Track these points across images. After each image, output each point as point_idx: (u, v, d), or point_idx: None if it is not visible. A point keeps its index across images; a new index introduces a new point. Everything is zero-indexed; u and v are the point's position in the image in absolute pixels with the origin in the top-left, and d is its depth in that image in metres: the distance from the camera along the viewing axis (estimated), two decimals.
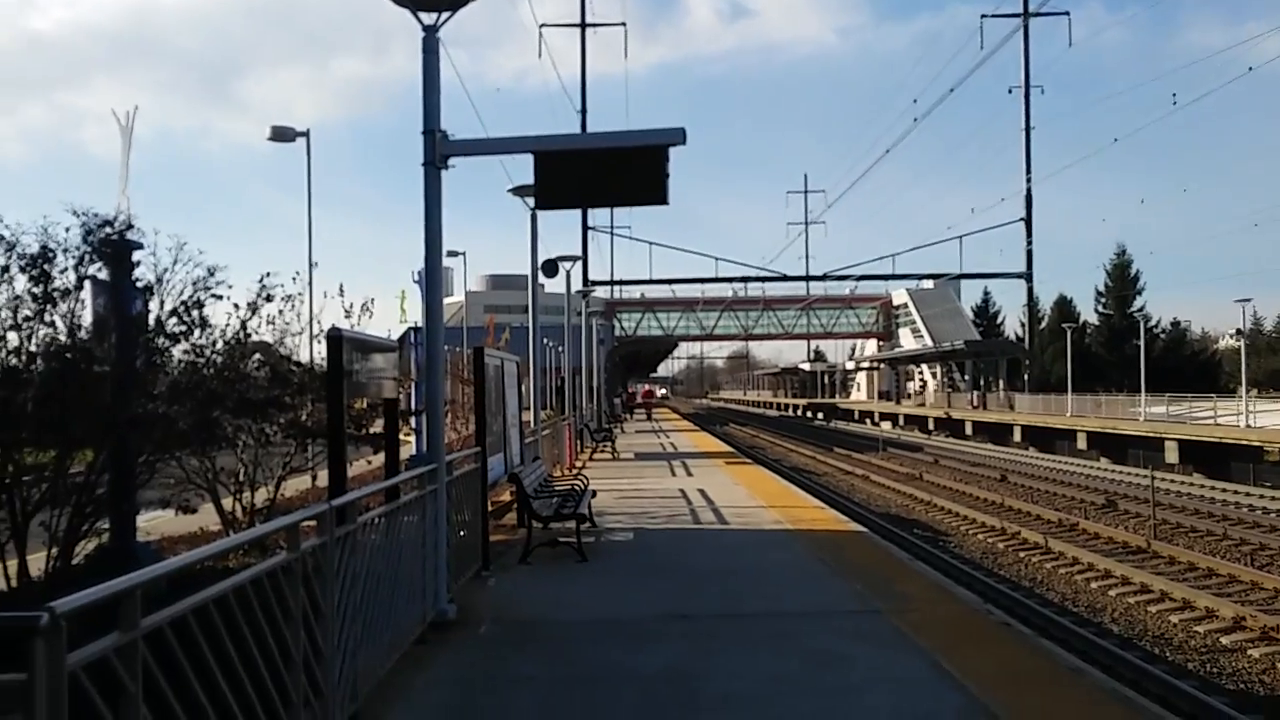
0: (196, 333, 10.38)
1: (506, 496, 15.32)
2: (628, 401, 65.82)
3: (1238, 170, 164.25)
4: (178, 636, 3.44)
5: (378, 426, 13.53)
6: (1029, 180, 69.16)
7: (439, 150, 8.05)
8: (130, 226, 8.16)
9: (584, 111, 67.71)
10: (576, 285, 30.98)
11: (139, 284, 9.59)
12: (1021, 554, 18.94)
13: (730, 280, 75.16)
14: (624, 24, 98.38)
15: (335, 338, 6.15)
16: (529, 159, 7.87)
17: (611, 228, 79.07)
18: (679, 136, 7.80)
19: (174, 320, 9.80)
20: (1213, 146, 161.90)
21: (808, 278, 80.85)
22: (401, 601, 6.64)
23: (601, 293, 72.47)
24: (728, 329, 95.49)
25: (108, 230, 7.81)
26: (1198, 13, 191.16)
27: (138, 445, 7.69)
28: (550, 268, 19.74)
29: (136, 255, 9.12)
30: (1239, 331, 42.56)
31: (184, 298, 9.92)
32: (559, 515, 10.89)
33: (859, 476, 34.08)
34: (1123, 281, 72.17)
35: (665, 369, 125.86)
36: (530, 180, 8.10)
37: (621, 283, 79.51)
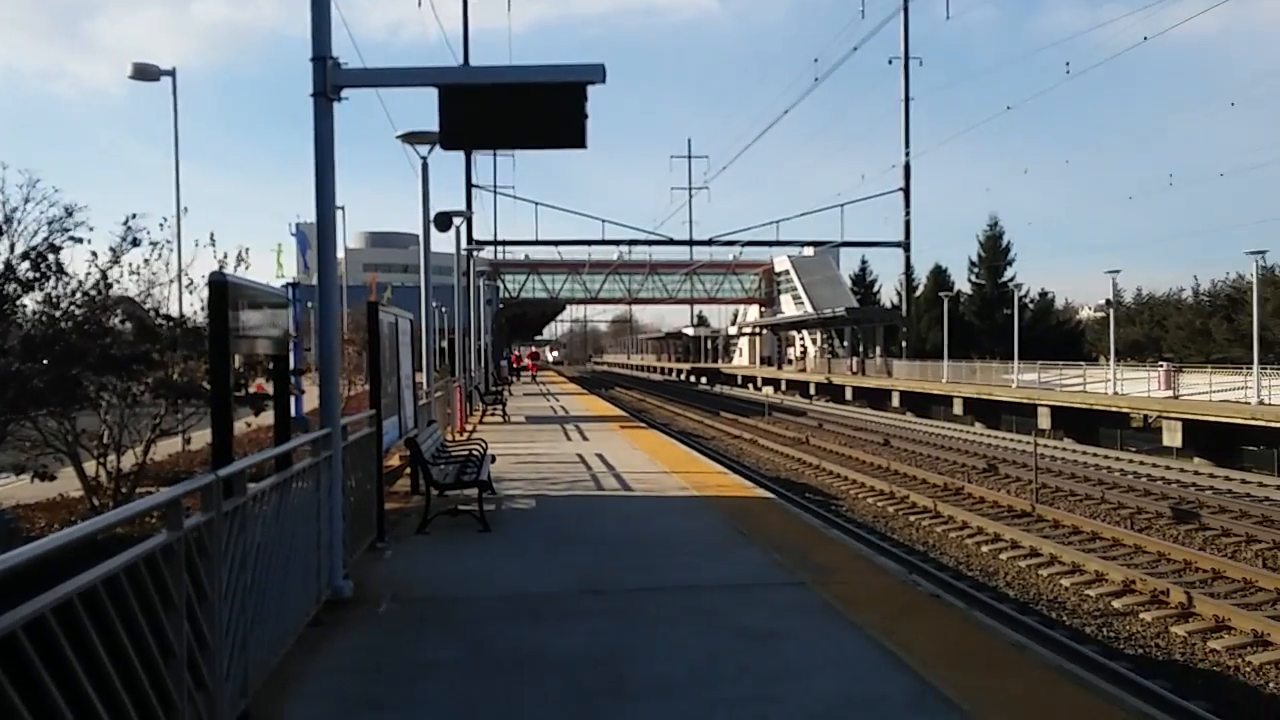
0: (52, 281, 9.36)
1: (396, 461, 14.57)
2: (514, 364, 64.92)
3: (1108, 146, 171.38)
4: (33, 639, 2.78)
5: (254, 387, 12.66)
6: (907, 152, 70.56)
7: (330, 79, 7.26)
8: None
9: (467, 64, 65.83)
10: (462, 244, 30.01)
11: None
12: (911, 518, 19.14)
13: (617, 243, 74.65)
14: None
15: (219, 283, 5.39)
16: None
17: (495, 186, 77.69)
18: (598, 74, 7.20)
19: (26, 265, 8.78)
20: (1085, 122, 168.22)
21: (691, 242, 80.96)
22: (295, 580, 5.96)
23: (485, 254, 71.04)
24: (612, 293, 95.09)
25: None
26: None
27: None
28: (443, 221, 18.84)
29: None
30: (1107, 302, 44.25)
31: (37, 241, 8.91)
32: (460, 482, 10.26)
33: (747, 440, 34.20)
34: (995, 252, 74.41)
35: (549, 332, 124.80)
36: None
37: (507, 243, 78.27)
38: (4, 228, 8.94)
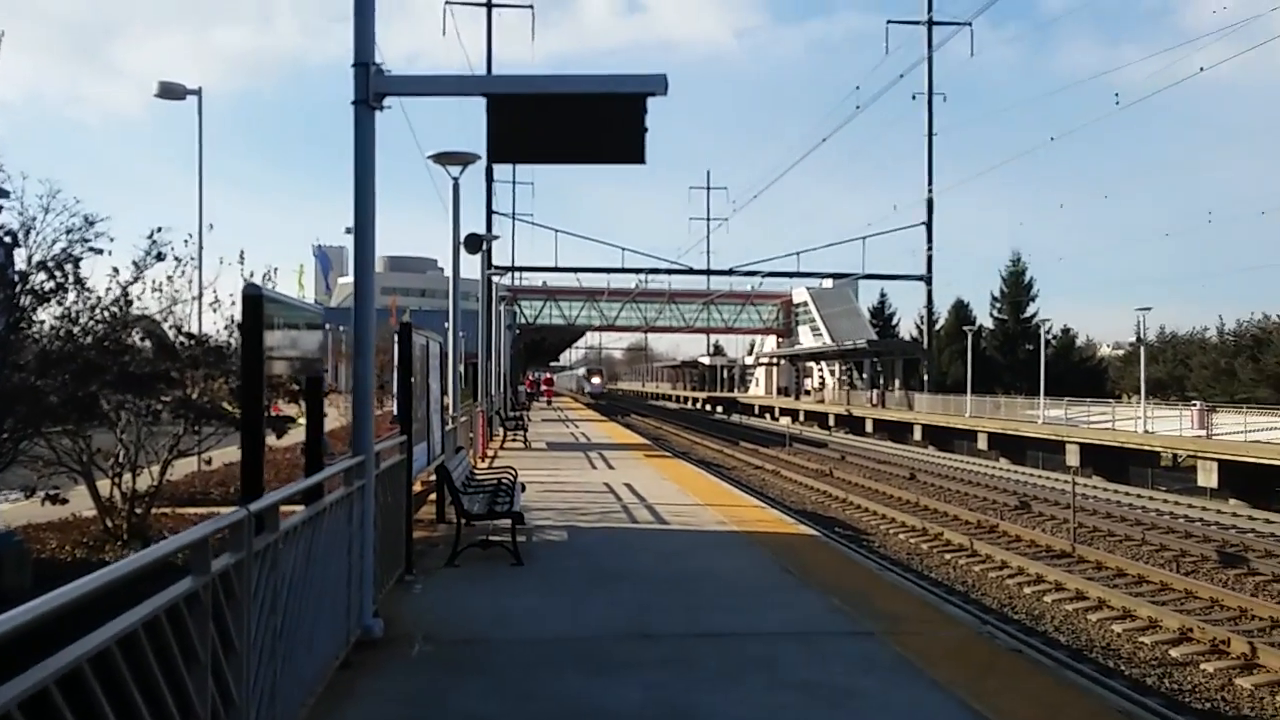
0: (71, 295, 8.92)
1: (418, 486, 14.05)
2: (530, 389, 64.53)
3: (1146, 182, 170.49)
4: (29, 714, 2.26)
5: (272, 409, 12.17)
6: (930, 187, 70.07)
7: (373, 86, 6.81)
8: None
9: None
10: (482, 269, 29.61)
11: (1, 231, 8.11)
12: (947, 556, 18.48)
13: (636, 272, 74.23)
14: (531, 5, 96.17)
15: (254, 296, 4.89)
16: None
17: (514, 212, 77.40)
18: (660, 85, 6.73)
19: (43, 275, 8.33)
20: (1124, 158, 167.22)
21: (709, 271, 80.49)
22: (324, 620, 5.43)
23: (503, 280, 70.75)
24: (629, 321, 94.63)
25: None
26: (1075, 34, 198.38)
27: None
28: (474, 243, 18.40)
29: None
30: (1137, 339, 43.54)
31: (55, 251, 8.47)
32: (492, 513, 9.72)
33: (770, 471, 33.54)
34: (1017, 288, 73.78)
35: (565, 358, 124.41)
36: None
37: (526, 269, 77.92)
38: (21, 238, 8.50)
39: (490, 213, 67.66)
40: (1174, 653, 12.11)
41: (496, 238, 28.92)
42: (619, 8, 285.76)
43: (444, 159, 15.92)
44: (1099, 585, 15.17)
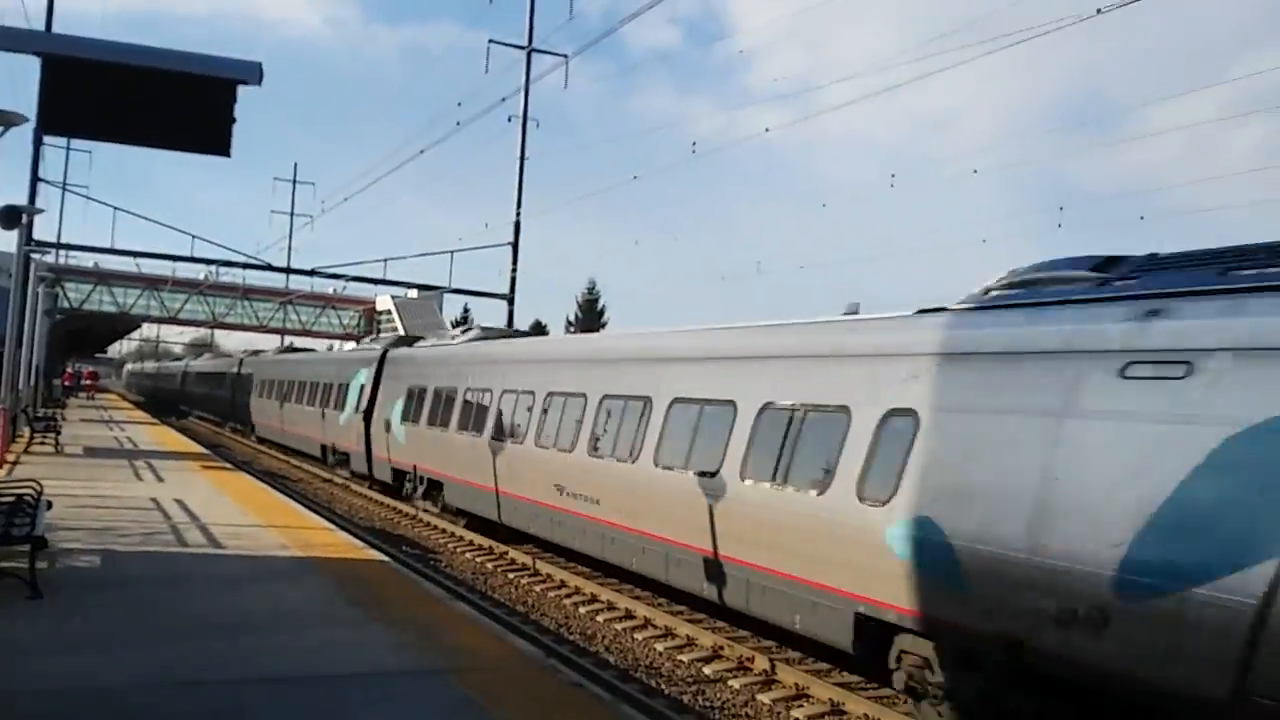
0: None
1: None
2: (69, 383, 57.19)
3: (706, 229, 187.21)
4: None
5: None
6: (518, 210, 72.25)
7: None
8: None
9: None
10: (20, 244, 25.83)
11: None
12: (510, 575, 18.86)
13: (207, 262, 68.60)
14: None
15: None
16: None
17: (65, 183, 68.52)
18: (254, 74, 6.29)
19: None
20: (690, 205, 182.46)
21: (290, 270, 76.44)
22: None
23: (46, 258, 62.26)
24: (195, 314, 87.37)
25: None
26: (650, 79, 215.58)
27: None
28: (11, 216, 15.90)
29: None
30: None
31: None
32: (8, 537, 8.34)
33: (339, 485, 32.38)
34: (590, 314, 78.62)
35: (114, 350, 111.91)
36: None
37: (76, 248, 68.56)
38: None
39: (35, 180, 59.36)
40: (707, 670, 13.23)
41: (41, 210, 25.29)
42: None
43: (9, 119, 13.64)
44: (645, 604, 16.22)
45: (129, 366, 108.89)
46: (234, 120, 6.12)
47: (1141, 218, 61.84)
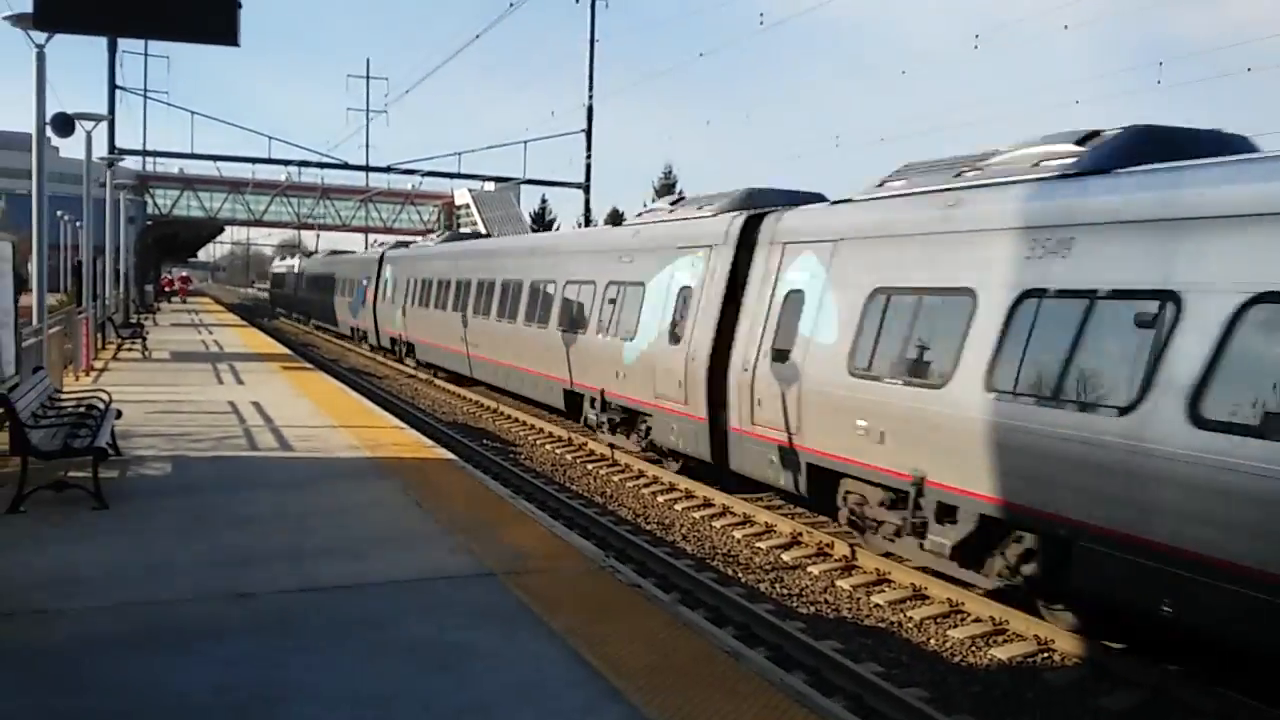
0: None
1: None
2: (162, 287, 58.84)
3: (784, 106, 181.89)
4: None
5: None
6: (590, 94, 70.65)
7: None
8: None
9: None
10: (101, 151, 26.02)
11: None
12: (589, 466, 18.83)
13: (285, 163, 69.12)
14: None
15: None
16: None
17: (145, 89, 69.19)
18: None
19: None
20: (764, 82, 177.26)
21: (368, 168, 76.68)
22: None
23: (132, 164, 63.36)
24: (279, 215, 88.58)
25: None
26: None
27: None
28: (64, 124, 15.85)
29: None
30: None
31: None
32: (68, 449, 8.35)
33: (423, 380, 32.77)
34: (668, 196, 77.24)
35: (205, 254, 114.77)
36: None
37: (157, 154, 69.72)
38: None
39: (114, 87, 60.00)
40: (785, 556, 12.99)
41: (110, 119, 25.34)
42: None
43: (24, 21, 13.41)
44: (722, 492, 16.00)
45: (274, 267, 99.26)
46: (239, 6, 5.63)
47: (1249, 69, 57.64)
